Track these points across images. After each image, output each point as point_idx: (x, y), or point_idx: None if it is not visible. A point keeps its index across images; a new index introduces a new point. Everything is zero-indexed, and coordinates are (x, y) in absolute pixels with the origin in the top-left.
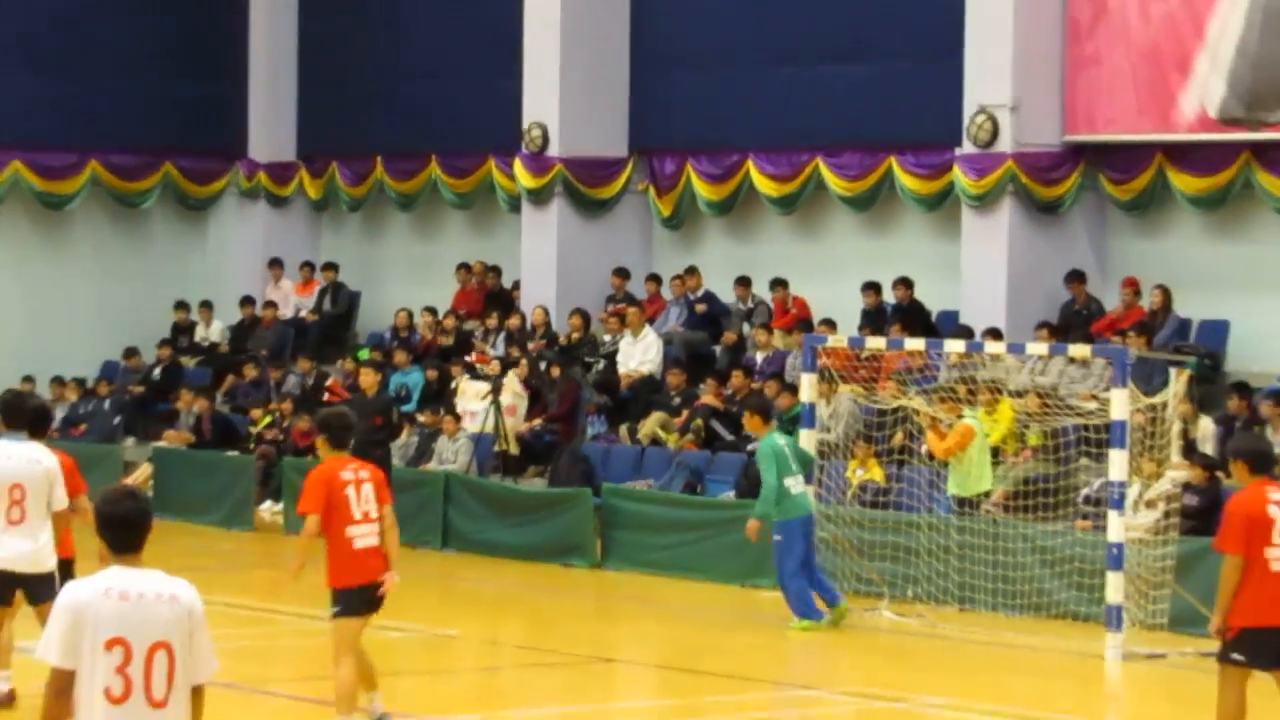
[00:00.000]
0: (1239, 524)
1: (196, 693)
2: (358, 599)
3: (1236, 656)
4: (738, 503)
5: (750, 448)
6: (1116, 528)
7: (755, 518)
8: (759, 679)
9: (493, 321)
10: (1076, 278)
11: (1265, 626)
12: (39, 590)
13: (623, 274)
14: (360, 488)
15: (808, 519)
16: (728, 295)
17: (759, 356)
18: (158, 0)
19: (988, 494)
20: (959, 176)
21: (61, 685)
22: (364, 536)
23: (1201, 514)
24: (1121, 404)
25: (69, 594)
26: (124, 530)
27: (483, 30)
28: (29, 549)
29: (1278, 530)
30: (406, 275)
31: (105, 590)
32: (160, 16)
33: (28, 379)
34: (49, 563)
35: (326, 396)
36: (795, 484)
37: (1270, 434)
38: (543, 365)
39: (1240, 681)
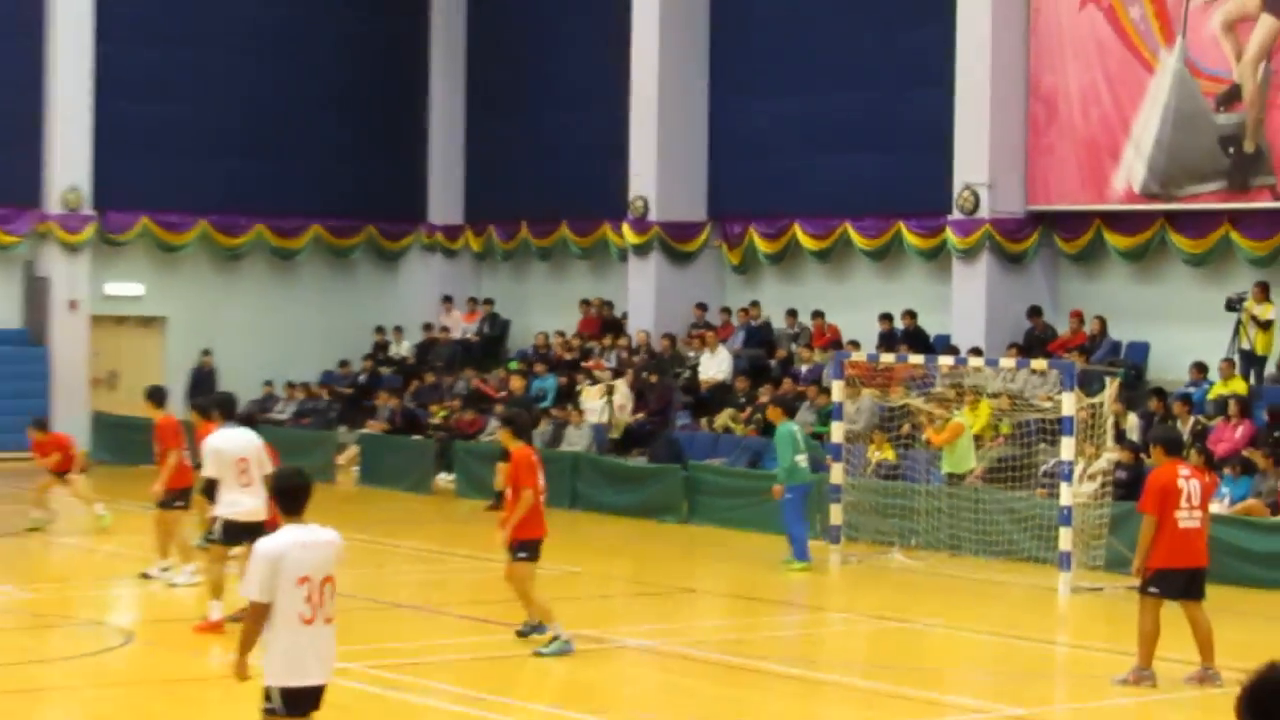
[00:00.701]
0: (1156, 492)
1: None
2: (538, 548)
3: (1153, 590)
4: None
5: None
6: (1066, 495)
7: (777, 483)
8: (802, 605)
9: (607, 342)
10: (1036, 311)
11: (1174, 568)
12: (258, 535)
13: (702, 307)
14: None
15: (809, 486)
16: (779, 323)
17: (802, 368)
18: (363, 101)
19: (971, 470)
20: (950, 236)
21: (260, 615)
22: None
23: (1129, 485)
24: (1070, 404)
25: (266, 546)
26: (294, 498)
27: (600, 126)
28: (257, 505)
29: (1184, 497)
30: (544, 307)
31: (293, 542)
32: (365, 113)
33: (268, 384)
34: (265, 514)
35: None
36: (802, 460)
37: (1180, 426)
38: (643, 374)
39: (1155, 608)
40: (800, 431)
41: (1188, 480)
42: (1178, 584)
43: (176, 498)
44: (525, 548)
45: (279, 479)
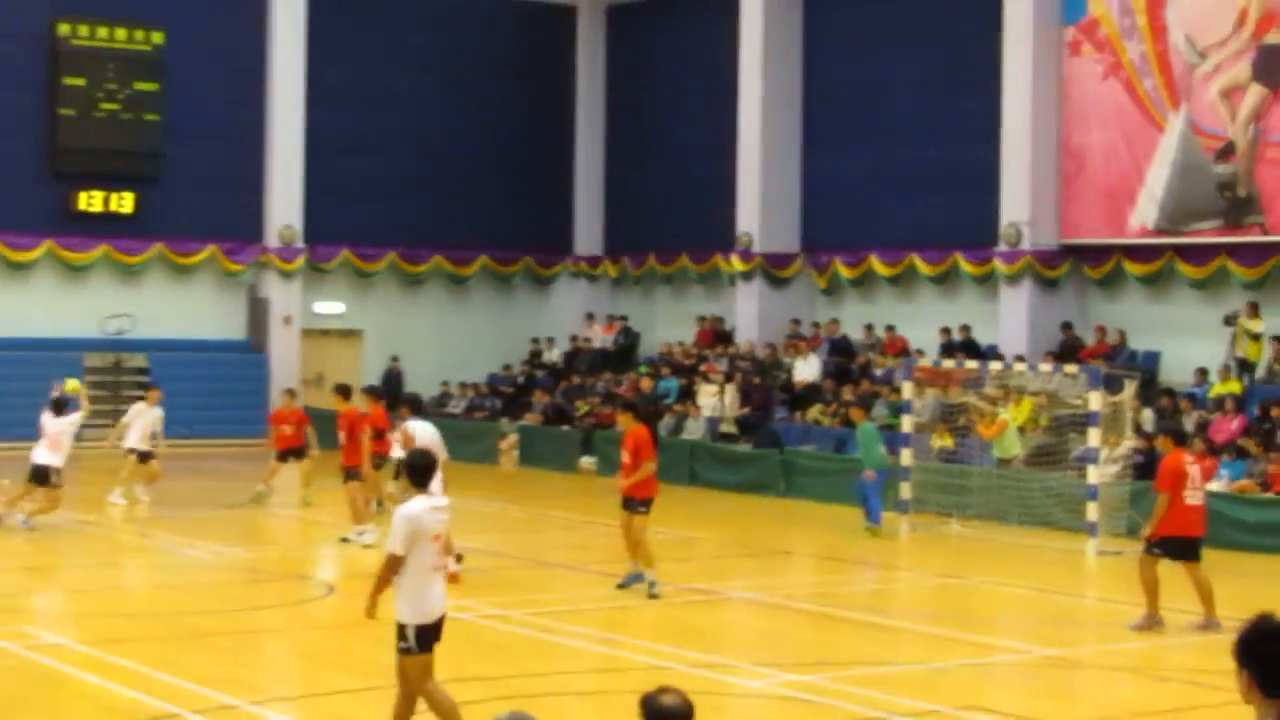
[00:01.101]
0: (1170, 475)
1: None
2: (651, 504)
3: (1156, 550)
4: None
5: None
6: (1093, 475)
7: (870, 467)
8: (878, 564)
9: (719, 350)
10: (1068, 326)
11: (1179, 535)
12: None
13: (796, 322)
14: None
15: (888, 470)
16: (857, 335)
17: (877, 372)
18: (521, 154)
19: (1016, 456)
20: (997, 264)
21: (396, 565)
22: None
23: (1144, 467)
24: (1096, 401)
25: (409, 510)
26: (423, 473)
27: (713, 174)
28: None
29: (1190, 479)
30: (668, 322)
31: (427, 506)
32: (523, 164)
33: (444, 383)
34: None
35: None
36: (882, 449)
37: (1185, 420)
38: (749, 376)
39: (1154, 565)
40: (876, 428)
41: (1192, 465)
42: (1178, 548)
43: (356, 472)
44: (645, 504)
45: (411, 458)
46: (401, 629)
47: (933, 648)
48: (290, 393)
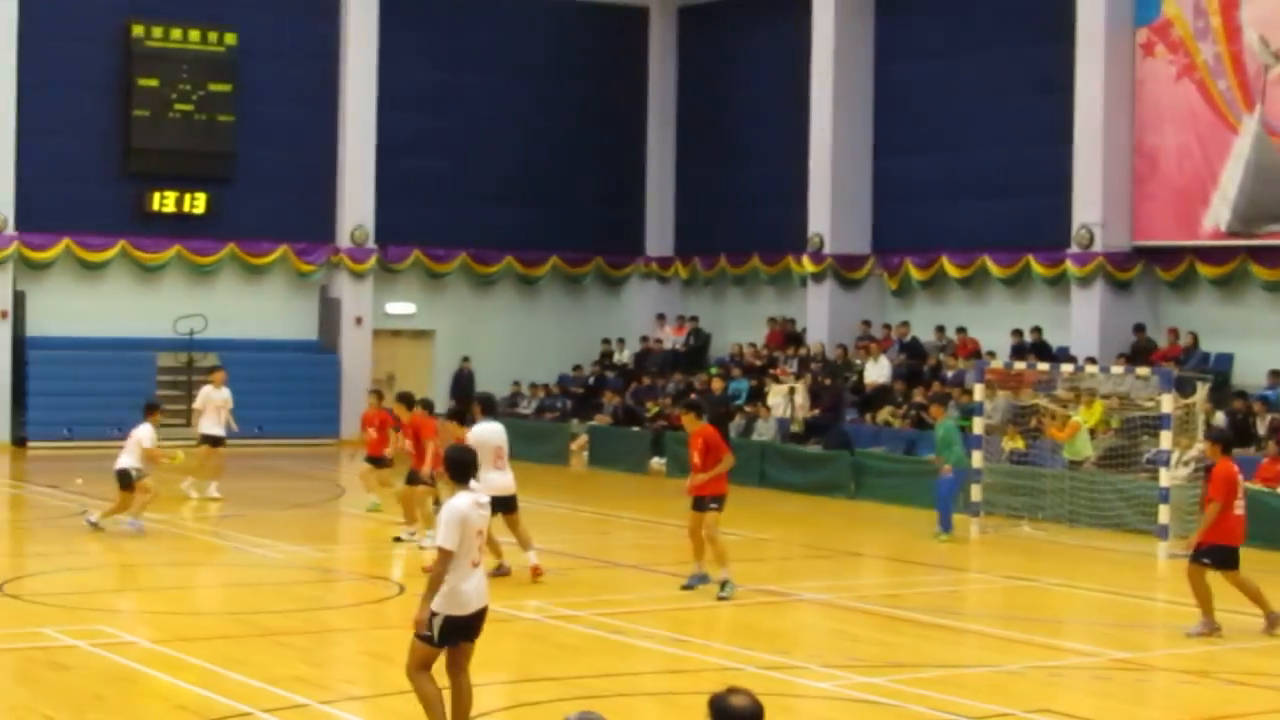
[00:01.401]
0: (1226, 484)
1: None
2: (724, 501)
3: (1205, 560)
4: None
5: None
6: (1165, 477)
7: (950, 464)
8: (948, 566)
9: (790, 351)
10: (1140, 328)
11: (1226, 545)
12: (510, 505)
13: (867, 323)
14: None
15: (965, 472)
16: (928, 337)
17: (948, 374)
18: (593, 156)
19: (1087, 458)
20: (1069, 266)
21: (449, 559)
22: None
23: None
24: (1168, 403)
25: (456, 506)
26: (465, 470)
27: (784, 176)
28: (507, 481)
29: (1240, 489)
30: (738, 323)
31: (471, 503)
32: (595, 166)
33: (515, 384)
34: (514, 489)
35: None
36: (961, 449)
37: (1259, 423)
38: (819, 378)
39: (1203, 573)
40: (956, 426)
41: (1238, 474)
42: (1223, 557)
43: (423, 477)
44: (717, 501)
45: (453, 453)
46: (431, 617)
47: (1002, 650)
48: (375, 394)
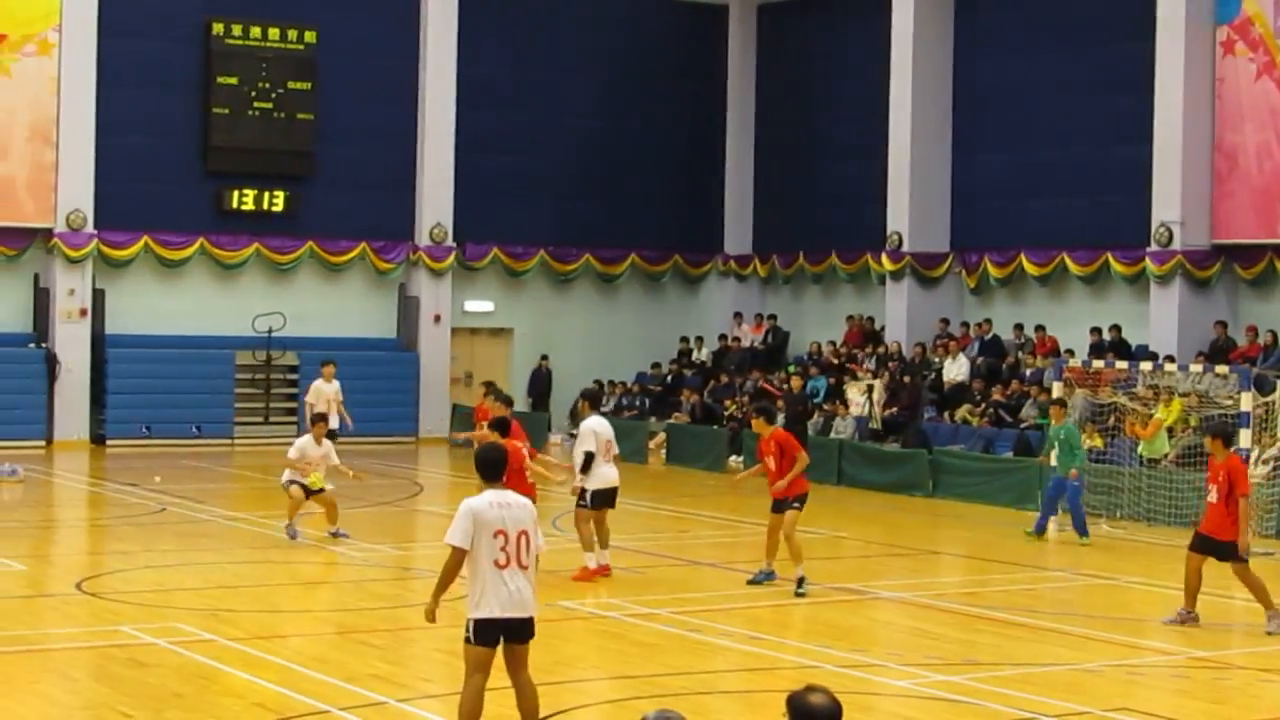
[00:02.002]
0: (1244, 477)
1: (536, 558)
2: (805, 500)
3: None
4: (1014, 459)
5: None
6: None
7: (1075, 468)
8: (1026, 564)
9: (868, 349)
10: (1220, 325)
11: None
12: (612, 499)
13: (945, 321)
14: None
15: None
16: (1007, 335)
17: (1027, 372)
18: (672, 155)
19: (1165, 455)
20: (1148, 264)
21: (459, 558)
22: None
23: None
24: (1247, 402)
25: (469, 505)
26: (492, 468)
27: (863, 175)
28: (615, 475)
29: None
30: (816, 321)
31: (490, 502)
32: (674, 165)
33: (597, 381)
34: (618, 483)
35: (761, 385)
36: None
37: None
38: (898, 376)
39: (1247, 569)
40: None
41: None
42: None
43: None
44: (800, 500)
45: (484, 451)
46: (467, 622)
47: (1081, 649)
48: (488, 385)
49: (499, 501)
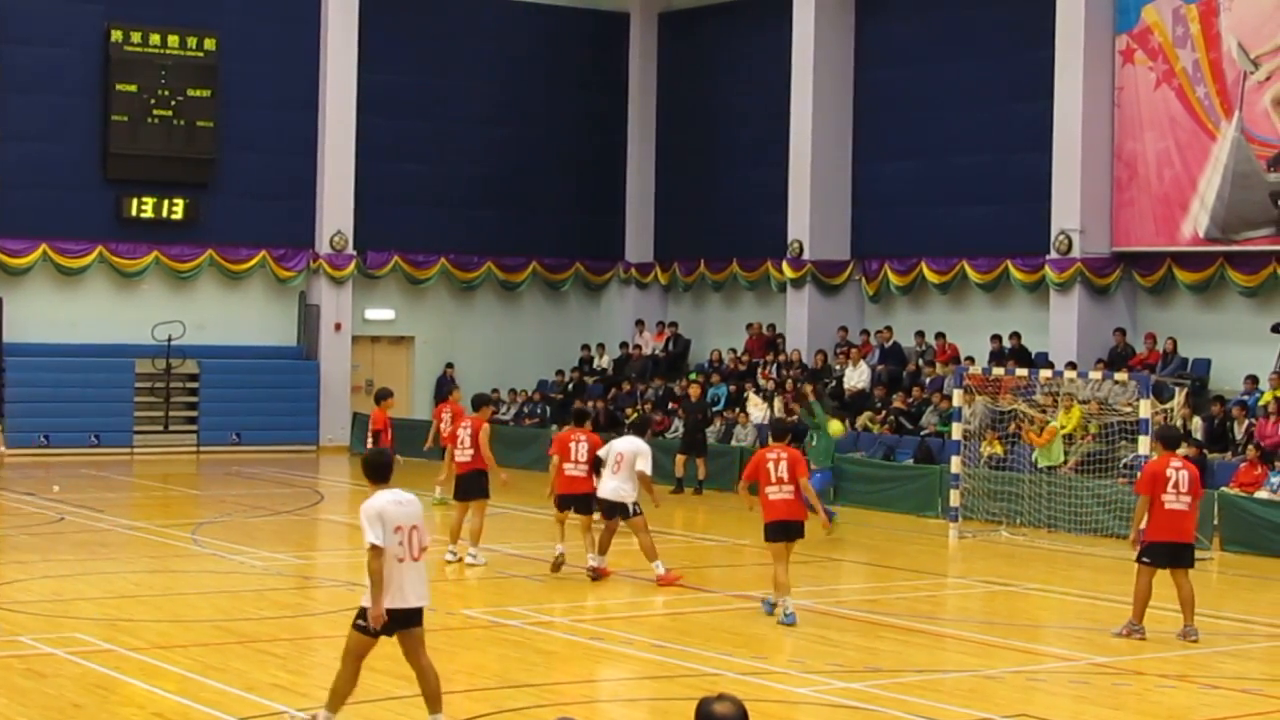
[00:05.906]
0: (1149, 478)
1: (424, 549)
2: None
3: (1145, 559)
4: (916, 466)
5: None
6: None
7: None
8: (926, 571)
9: (769, 357)
10: (1119, 333)
11: (1159, 541)
12: (619, 510)
13: (845, 329)
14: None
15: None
16: (908, 343)
17: (927, 379)
18: (572, 163)
19: (1062, 463)
20: (1048, 272)
21: (380, 554)
22: (779, 492)
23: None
24: (1146, 408)
25: (375, 505)
26: (381, 471)
27: (764, 182)
28: (620, 486)
29: (1171, 484)
30: (717, 329)
31: (389, 501)
32: (574, 173)
33: (495, 390)
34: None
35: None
36: None
37: (1236, 427)
38: (798, 384)
39: (1147, 575)
40: None
41: (1178, 470)
42: (1163, 555)
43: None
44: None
45: (372, 456)
46: (363, 609)
47: (982, 655)
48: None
49: (396, 500)
